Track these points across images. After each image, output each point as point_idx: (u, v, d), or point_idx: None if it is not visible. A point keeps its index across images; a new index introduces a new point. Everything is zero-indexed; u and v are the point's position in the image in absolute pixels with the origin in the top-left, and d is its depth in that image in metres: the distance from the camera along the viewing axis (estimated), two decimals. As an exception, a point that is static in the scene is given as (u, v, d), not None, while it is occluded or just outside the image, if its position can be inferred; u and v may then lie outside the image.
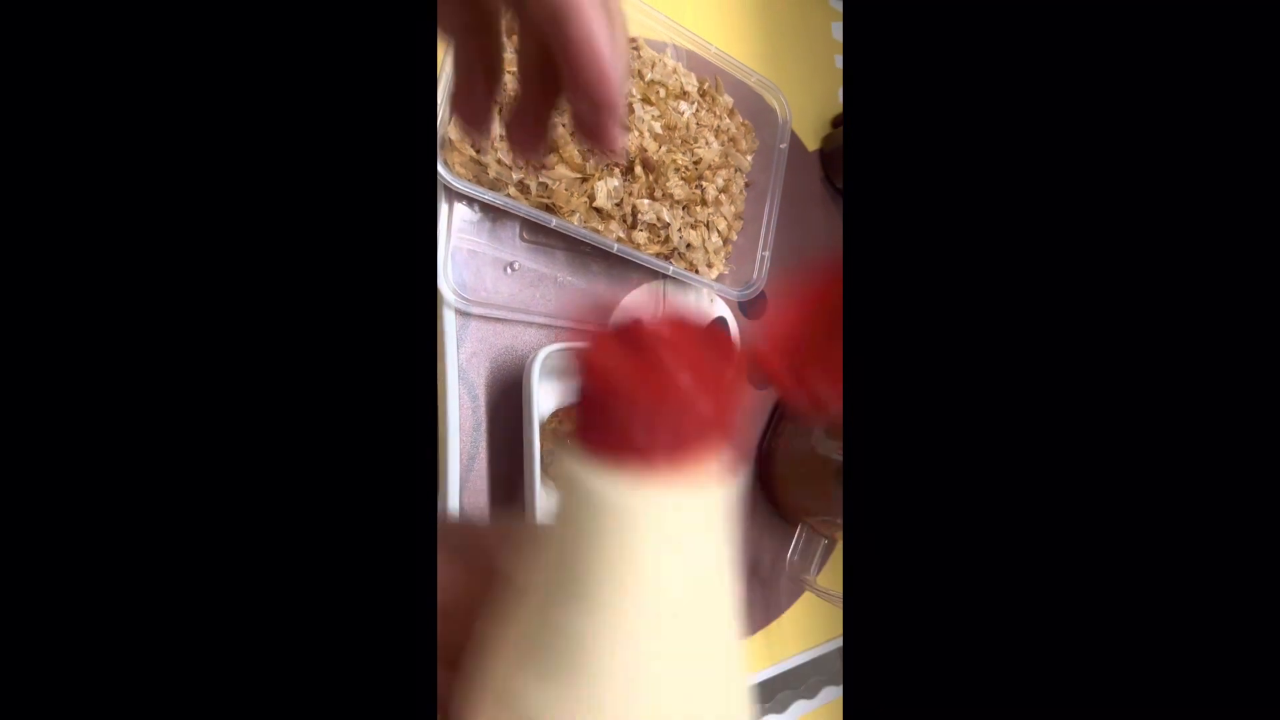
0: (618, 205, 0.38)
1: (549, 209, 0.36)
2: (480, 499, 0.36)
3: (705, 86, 0.43)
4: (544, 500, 0.35)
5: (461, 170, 0.34)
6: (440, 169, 0.33)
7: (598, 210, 0.37)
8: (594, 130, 0.19)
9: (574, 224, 0.36)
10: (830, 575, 0.48)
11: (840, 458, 0.40)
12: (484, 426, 0.36)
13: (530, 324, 0.39)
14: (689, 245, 0.40)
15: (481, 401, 0.36)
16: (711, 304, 0.46)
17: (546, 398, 0.37)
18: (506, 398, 0.37)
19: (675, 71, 0.42)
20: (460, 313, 0.36)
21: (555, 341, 0.37)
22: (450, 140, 0.34)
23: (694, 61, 0.43)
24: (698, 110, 0.42)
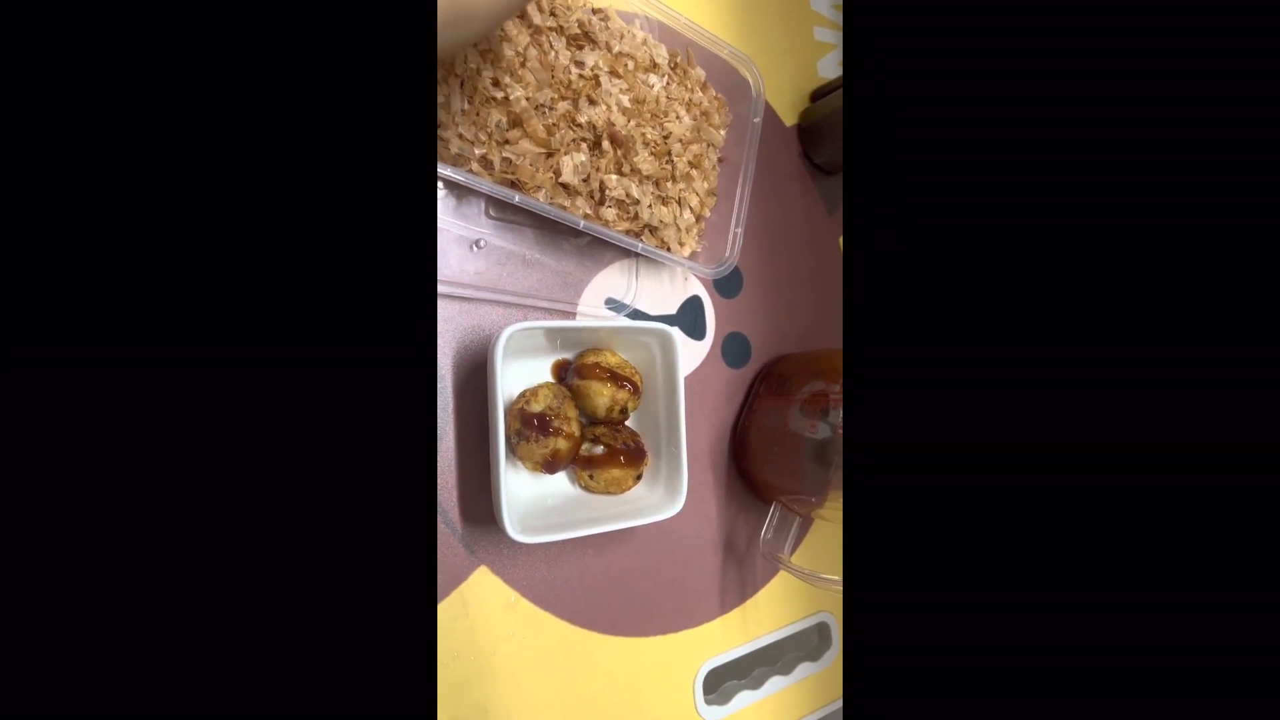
0: (584, 181, 0.37)
1: (513, 185, 0.35)
2: (448, 479, 0.35)
3: (676, 59, 0.42)
4: (510, 482, 0.35)
5: (421, 145, 0.33)
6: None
7: (564, 186, 0.36)
8: None
9: (539, 200, 0.35)
10: (804, 553, 0.48)
11: (813, 435, 0.40)
12: (451, 407, 0.36)
13: (498, 303, 0.38)
14: (660, 222, 0.40)
15: (449, 382, 0.36)
16: (685, 282, 0.45)
17: (512, 378, 0.37)
18: (473, 378, 0.37)
19: (644, 43, 0.41)
20: (424, 292, 0.35)
21: (522, 320, 0.37)
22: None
23: (664, 33, 0.42)
24: (668, 83, 0.41)
